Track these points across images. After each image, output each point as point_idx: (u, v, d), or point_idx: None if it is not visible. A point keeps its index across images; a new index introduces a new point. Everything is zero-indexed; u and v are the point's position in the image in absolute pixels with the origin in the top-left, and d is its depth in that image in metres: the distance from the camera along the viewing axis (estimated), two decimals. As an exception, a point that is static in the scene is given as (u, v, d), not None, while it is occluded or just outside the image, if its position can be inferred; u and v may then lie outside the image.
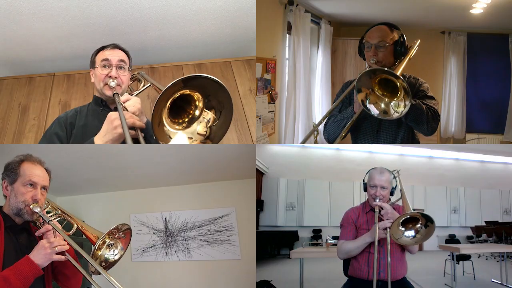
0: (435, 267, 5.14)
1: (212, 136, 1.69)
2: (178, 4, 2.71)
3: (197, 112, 1.67)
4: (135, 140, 1.72)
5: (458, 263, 4.52)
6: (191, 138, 1.68)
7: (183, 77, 1.51)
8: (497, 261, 5.48)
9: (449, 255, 4.18)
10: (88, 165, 3.13)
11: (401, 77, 1.75)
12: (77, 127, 2.01)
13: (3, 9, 2.49)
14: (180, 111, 1.66)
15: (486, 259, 6.29)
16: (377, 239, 1.71)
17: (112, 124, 1.68)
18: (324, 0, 4.52)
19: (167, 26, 2.92)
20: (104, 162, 3.10)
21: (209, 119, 1.67)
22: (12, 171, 1.49)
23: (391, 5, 4.48)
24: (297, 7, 4.13)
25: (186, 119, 1.68)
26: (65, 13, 2.63)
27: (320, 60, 5.21)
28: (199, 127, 1.68)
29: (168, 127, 1.62)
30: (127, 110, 1.78)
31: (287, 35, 4.23)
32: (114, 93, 1.88)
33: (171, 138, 1.63)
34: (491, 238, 6.77)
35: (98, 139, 1.72)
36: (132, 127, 1.71)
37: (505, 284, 4.15)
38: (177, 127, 1.66)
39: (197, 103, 1.65)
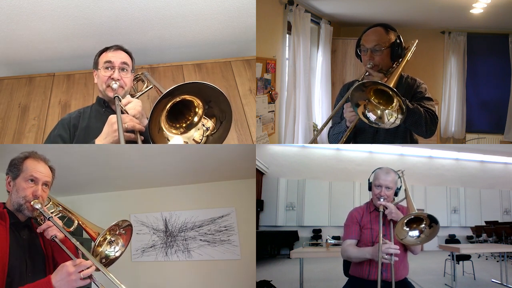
0: (435, 267, 5.13)
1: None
2: (178, 4, 2.71)
3: (195, 119, 1.67)
4: (134, 142, 1.74)
5: (458, 263, 4.52)
6: (187, 142, 1.68)
7: (178, 84, 1.49)
8: (497, 261, 5.48)
9: (449, 255, 4.18)
10: (88, 165, 3.13)
11: (394, 89, 1.69)
12: (80, 129, 2.02)
13: (3, 9, 2.49)
14: (179, 115, 1.66)
15: (486, 259, 6.29)
16: (381, 242, 1.70)
17: (112, 127, 1.71)
18: (324, 0, 4.51)
19: (167, 26, 2.92)
20: (104, 162, 3.10)
21: (208, 127, 1.67)
22: (15, 167, 1.50)
23: (391, 5, 4.48)
24: (297, 7, 4.13)
25: (184, 125, 1.68)
26: (65, 13, 2.63)
27: (320, 60, 5.21)
28: (196, 134, 1.68)
29: (166, 131, 1.63)
30: (127, 113, 1.79)
31: (287, 35, 4.23)
32: (115, 96, 1.89)
33: (169, 140, 1.64)
34: (491, 238, 6.75)
35: (99, 141, 1.74)
36: (131, 130, 1.74)
37: (505, 284, 4.15)
38: (174, 131, 1.67)
39: (196, 109, 1.65)
